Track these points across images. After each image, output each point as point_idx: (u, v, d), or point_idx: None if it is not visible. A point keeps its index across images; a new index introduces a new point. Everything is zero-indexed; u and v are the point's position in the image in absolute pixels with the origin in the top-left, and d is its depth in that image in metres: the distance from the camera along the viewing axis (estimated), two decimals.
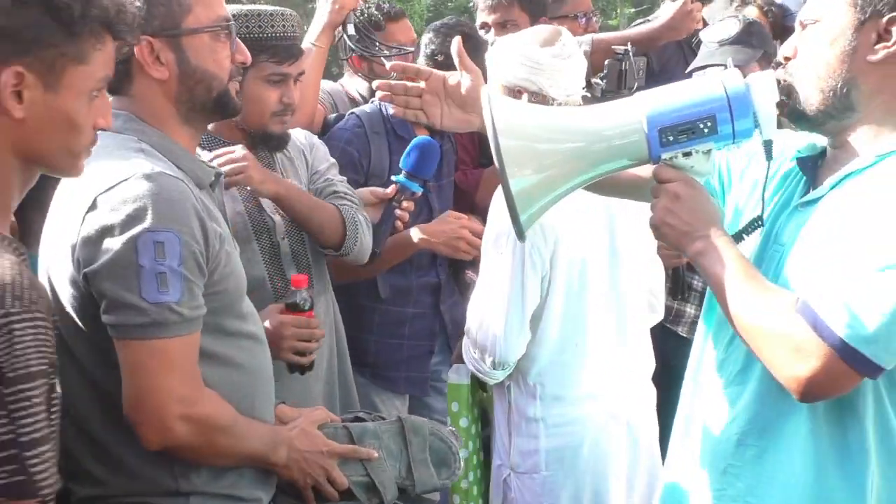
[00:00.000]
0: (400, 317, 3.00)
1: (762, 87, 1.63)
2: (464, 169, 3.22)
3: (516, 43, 2.48)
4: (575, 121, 1.71)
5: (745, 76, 3.03)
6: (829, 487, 1.65)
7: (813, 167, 1.73)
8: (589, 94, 2.51)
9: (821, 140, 1.76)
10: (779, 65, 1.73)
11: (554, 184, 1.67)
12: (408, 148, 2.65)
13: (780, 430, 1.67)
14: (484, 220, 2.57)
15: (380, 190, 2.70)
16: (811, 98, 1.65)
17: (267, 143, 2.47)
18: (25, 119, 1.35)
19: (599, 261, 2.50)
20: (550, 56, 2.40)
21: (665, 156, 1.65)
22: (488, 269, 2.49)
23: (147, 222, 1.66)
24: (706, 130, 1.61)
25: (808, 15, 1.67)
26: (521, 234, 1.67)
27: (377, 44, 3.10)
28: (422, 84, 1.95)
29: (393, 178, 2.66)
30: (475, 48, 2.85)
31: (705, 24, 3.68)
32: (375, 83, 2.03)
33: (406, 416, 2.23)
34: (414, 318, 3.03)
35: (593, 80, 3.11)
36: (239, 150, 2.40)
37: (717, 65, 3.09)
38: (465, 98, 1.92)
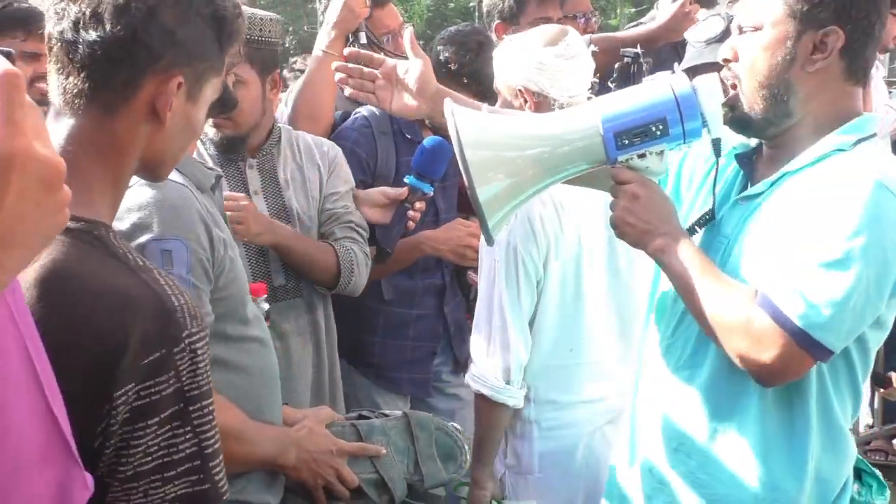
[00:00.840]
0: (404, 318, 3.01)
1: (708, 89, 1.71)
2: None
3: (521, 42, 2.49)
4: (535, 128, 1.78)
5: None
6: (773, 464, 1.76)
7: (749, 163, 1.85)
8: (592, 95, 2.51)
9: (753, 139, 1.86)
10: (721, 67, 1.81)
11: (518, 189, 1.74)
12: (419, 148, 2.66)
13: (730, 411, 1.79)
14: None
15: (391, 190, 2.70)
16: (755, 105, 1.75)
17: (238, 147, 2.46)
18: (167, 126, 1.34)
19: (596, 266, 2.49)
20: (553, 56, 2.40)
21: (621, 158, 1.73)
22: (486, 277, 2.49)
23: (153, 231, 1.66)
24: (658, 133, 1.70)
25: (747, 21, 1.76)
26: (490, 239, 1.75)
27: (383, 52, 3.10)
28: (377, 70, 2.01)
29: (405, 179, 2.66)
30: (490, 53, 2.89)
31: None
32: (334, 65, 2.04)
33: (411, 411, 2.26)
34: (418, 320, 3.03)
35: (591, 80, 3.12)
36: (242, 199, 2.39)
37: (709, 63, 3.09)
38: (416, 86, 1.97)
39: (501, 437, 2.52)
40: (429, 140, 2.65)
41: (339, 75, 2.03)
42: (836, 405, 1.76)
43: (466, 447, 2.19)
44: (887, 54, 4.54)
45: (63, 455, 1.03)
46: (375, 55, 2.04)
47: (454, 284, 3.16)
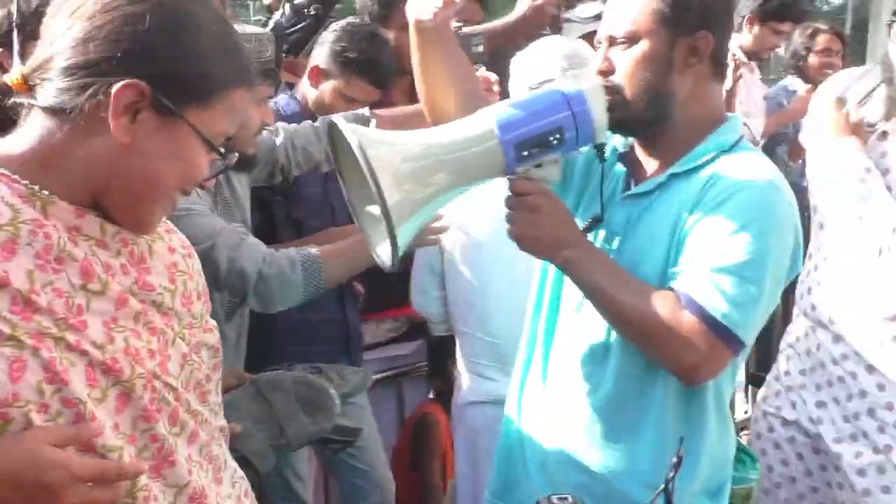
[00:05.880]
0: (306, 325, 2.93)
1: (595, 94, 1.74)
2: None
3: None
4: (435, 138, 1.71)
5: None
6: (670, 451, 1.79)
7: (628, 160, 1.91)
8: None
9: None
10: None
11: (424, 201, 1.66)
12: None
13: (633, 407, 1.85)
14: None
15: None
16: (636, 111, 1.80)
17: (241, 165, 2.44)
18: None
19: (492, 247, 2.58)
20: None
21: (519, 169, 1.72)
22: None
23: None
24: (556, 142, 1.71)
25: (619, 31, 1.80)
26: (396, 260, 1.61)
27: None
28: None
29: None
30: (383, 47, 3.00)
31: None
32: None
33: (261, 375, 2.19)
34: (321, 325, 2.99)
35: None
36: None
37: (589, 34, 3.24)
38: None
39: None
40: None
41: None
42: (725, 393, 1.90)
43: (333, 391, 2.13)
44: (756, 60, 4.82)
45: None
46: None
47: (350, 286, 3.10)
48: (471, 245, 2.67)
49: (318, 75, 3.02)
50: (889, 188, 2.34)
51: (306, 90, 3.08)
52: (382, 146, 1.60)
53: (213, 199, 2.46)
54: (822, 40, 4.93)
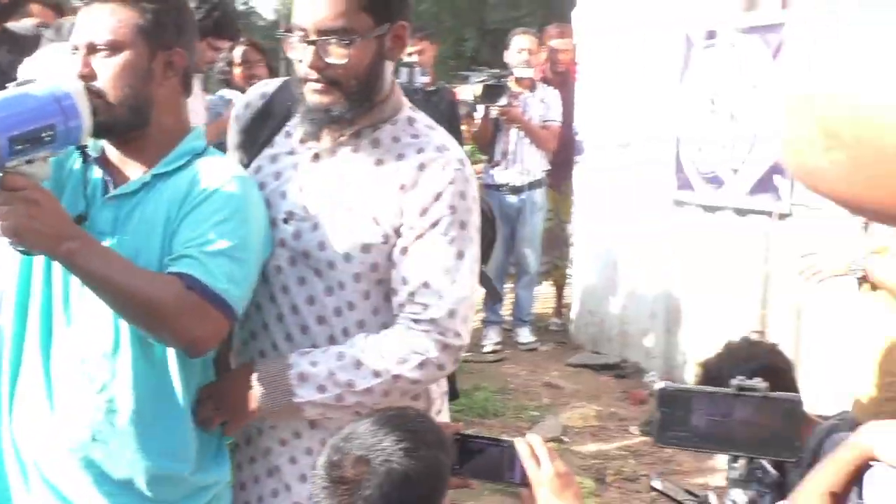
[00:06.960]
0: None
1: (80, 96, 1.81)
2: None
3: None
4: None
5: None
6: (177, 432, 2.00)
7: (104, 165, 2.00)
8: None
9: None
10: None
11: None
12: None
13: (151, 391, 1.96)
14: None
15: None
16: (119, 116, 1.91)
17: None
18: None
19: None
20: None
21: (10, 164, 1.72)
22: None
23: None
24: (48, 139, 1.75)
25: (100, 40, 1.89)
26: None
27: None
28: None
29: None
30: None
31: None
32: None
33: None
34: None
35: None
36: None
37: None
38: None
39: None
40: None
41: None
42: (211, 356, 2.06)
43: None
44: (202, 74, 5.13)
45: None
46: None
47: None
48: None
49: None
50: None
51: None
52: None
53: None
54: (239, 53, 5.40)
